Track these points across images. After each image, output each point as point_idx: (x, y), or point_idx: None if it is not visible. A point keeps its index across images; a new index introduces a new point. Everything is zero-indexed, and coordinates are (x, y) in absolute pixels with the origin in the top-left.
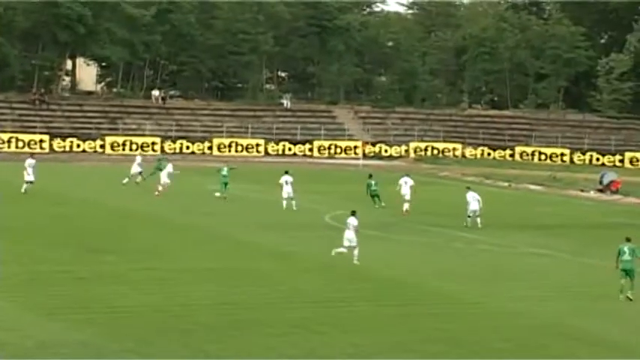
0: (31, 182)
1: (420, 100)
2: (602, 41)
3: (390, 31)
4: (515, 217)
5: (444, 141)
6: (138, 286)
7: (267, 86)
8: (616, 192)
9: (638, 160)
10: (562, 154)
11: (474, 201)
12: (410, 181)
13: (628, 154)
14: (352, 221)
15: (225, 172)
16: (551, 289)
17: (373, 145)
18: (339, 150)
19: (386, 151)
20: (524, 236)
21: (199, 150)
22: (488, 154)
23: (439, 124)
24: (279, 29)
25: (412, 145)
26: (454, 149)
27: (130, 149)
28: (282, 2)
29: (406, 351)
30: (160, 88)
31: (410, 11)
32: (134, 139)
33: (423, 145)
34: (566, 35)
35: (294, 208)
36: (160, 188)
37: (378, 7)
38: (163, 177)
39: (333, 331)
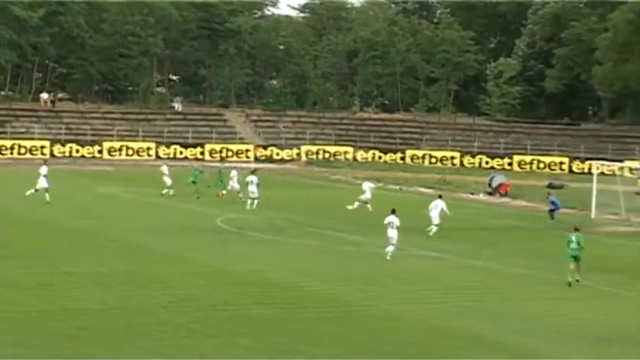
0: (44, 189)
1: (311, 104)
2: (491, 46)
3: (282, 34)
4: (406, 220)
5: (336, 144)
6: (26, 290)
7: (158, 89)
8: (505, 195)
9: (526, 163)
10: (452, 158)
11: (433, 210)
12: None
13: (516, 157)
14: (394, 220)
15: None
16: (439, 292)
17: (265, 148)
18: (230, 153)
19: (277, 154)
20: (415, 239)
21: (89, 154)
22: (380, 157)
23: (330, 127)
24: (169, 32)
25: (304, 148)
26: (345, 152)
27: (19, 153)
28: (173, 5)
29: (296, 353)
30: (49, 91)
31: (301, 15)
32: (23, 142)
33: (314, 148)
34: (456, 39)
35: (255, 207)
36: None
37: (269, 11)
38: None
39: (224, 335)
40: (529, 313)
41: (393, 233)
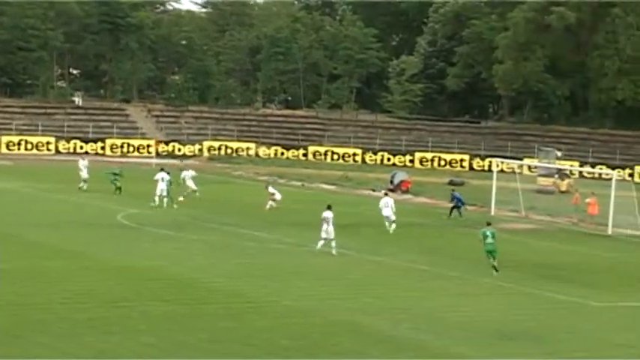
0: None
1: (214, 99)
2: (394, 43)
3: (184, 29)
4: (308, 216)
5: (238, 140)
6: None
7: (59, 83)
8: (407, 192)
9: (427, 160)
10: (354, 154)
11: (385, 208)
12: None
13: (418, 154)
14: (329, 215)
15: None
16: (342, 288)
17: (166, 144)
18: (132, 148)
19: (179, 149)
20: (317, 235)
21: None
22: (282, 153)
23: (233, 123)
24: (70, 26)
25: (206, 144)
26: (248, 148)
27: None
28: None
29: (197, 350)
30: None
31: (204, 10)
32: None
33: (216, 144)
34: (359, 37)
35: (165, 205)
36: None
37: (171, 6)
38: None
39: (124, 332)
40: (429, 308)
41: (329, 228)
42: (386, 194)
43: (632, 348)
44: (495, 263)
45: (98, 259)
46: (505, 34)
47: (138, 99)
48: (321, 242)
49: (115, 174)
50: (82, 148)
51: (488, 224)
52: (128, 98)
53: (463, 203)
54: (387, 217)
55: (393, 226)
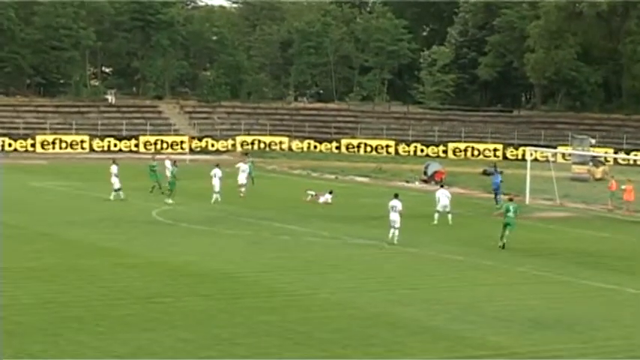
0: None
1: (246, 94)
2: (424, 34)
3: (215, 25)
4: (343, 209)
5: (271, 134)
6: None
7: (91, 82)
8: (440, 182)
9: (460, 151)
10: (387, 146)
11: (443, 197)
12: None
13: (451, 145)
14: (396, 204)
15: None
16: (378, 280)
17: (200, 139)
18: (165, 145)
19: (213, 145)
20: (352, 228)
21: (22, 147)
22: (315, 146)
23: (265, 117)
24: (101, 24)
25: (239, 139)
26: (281, 143)
27: None
28: None
29: (235, 345)
30: None
31: (234, 5)
32: None
33: (249, 138)
34: (390, 28)
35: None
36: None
37: (202, 2)
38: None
39: (161, 327)
40: (465, 299)
41: (395, 217)
42: (442, 186)
43: None
44: (505, 240)
45: (133, 256)
46: (536, 22)
47: (170, 96)
48: (391, 231)
49: (153, 167)
50: (115, 145)
51: (511, 200)
52: (160, 95)
53: (498, 189)
54: (445, 207)
55: (450, 216)
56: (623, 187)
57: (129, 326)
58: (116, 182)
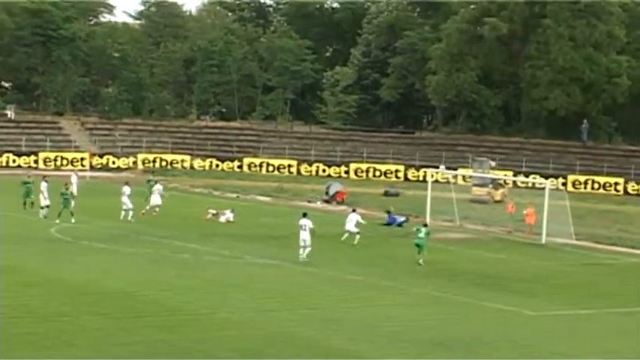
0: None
1: (148, 112)
2: (328, 55)
3: (118, 41)
4: (244, 228)
5: (173, 153)
6: None
7: None
8: (342, 202)
9: (362, 171)
10: (289, 166)
11: (350, 222)
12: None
13: (353, 165)
14: (306, 222)
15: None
16: (278, 299)
17: (100, 156)
18: (65, 162)
19: (114, 162)
20: (252, 247)
21: None
22: (217, 165)
23: (167, 135)
24: (1, 38)
25: (140, 156)
26: (183, 161)
27: None
28: (5, 10)
29: None
30: None
31: (138, 22)
32: None
33: (151, 156)
34: (293, 48)
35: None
36: (148, 208)
37: (105, 17)
38: (154, 199)
39: (59, 346)
40: (364, 319)
41: (306, 235)
42: (354, 210)
43: (566, 357)
44: (421, 261)
45: (33, 274)
46: (438, 45)
47: (71, 112)
48: (301, 250)
49: (26, 183)
50: (14, 161)
51: (425, 225)
52: (61, 111)
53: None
54: (349, 231)
55: (357, 237)
56: (525, 211)
57: (27, 345)
58: (43, 200)
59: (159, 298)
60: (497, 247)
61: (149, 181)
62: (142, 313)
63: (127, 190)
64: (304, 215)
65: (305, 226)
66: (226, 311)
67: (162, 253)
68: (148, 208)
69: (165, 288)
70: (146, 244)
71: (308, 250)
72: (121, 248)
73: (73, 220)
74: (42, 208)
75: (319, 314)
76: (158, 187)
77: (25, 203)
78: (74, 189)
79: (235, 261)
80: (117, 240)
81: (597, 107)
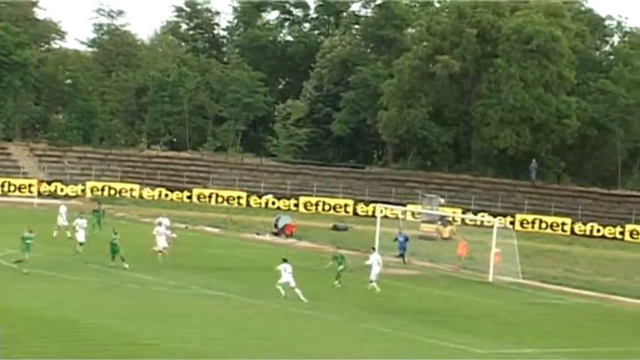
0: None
1: (98, 139)
2: (280, 87)
3: (69, 68)
4: (191, 258)
5: (122, 181)
6: None
7: None
8: (290, 235)
9: (312, 205)
10: (239, 197)
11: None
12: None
13: (303, 199)
14: (287, 267)
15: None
16: (220, 330)
17: (49, 183)
18: (13, 188)
19: (62, 190)
20: (199, 278)
21: None
22: (166, 195)
23: (117, 163)
24: None
25: (89, 184)
26: (132, 190)
27: None
28: None
29: None
30: None
31: (90, 49)
32: None
33: (100, 184)
34: (246, 80)
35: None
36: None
37: (56, 44)
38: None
39: None
40: (311, 353)
41: (289, 278)
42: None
43: None
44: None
45: None
46: (390, 81)
47: (20, 138)
48: (295, 291)
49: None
50: None
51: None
52: (10, 137)
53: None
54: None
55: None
56: (459, 242)
57: None
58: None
59: (106, 327)
60: (445, 284)
61: (95, 211)
62: (88, 341)
63: (63, 209)
64: (284, 261)
65: (287, 269)
66: (172, 340)
67: (109, 282)
68: (156, 251)
69: (112, 317)
70: (94, 272)
71: (299, 291)
72: (67, 276)
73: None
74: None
75: (266, 345)
76: (164, 223)
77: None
78: (64, 220)
79: (183, 291)
80: (63, 268)
81: (546, 147)
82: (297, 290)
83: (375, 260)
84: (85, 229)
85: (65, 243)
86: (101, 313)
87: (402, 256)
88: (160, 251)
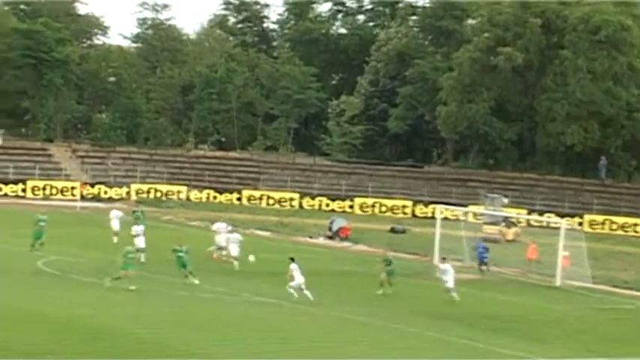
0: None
1: (143, 140)
2: (333, 82)
3: (112, 65)
4: (241, 264)
5: (168, 183)
6: None
7: None
8: (345, 239)
9: (368, 206)
10: (291, 199)
11: (446, 275)
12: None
13: (358, 200)
14: (295, 266)
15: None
16: (272, 338)
17: (92, 186)
18: (55, 191)
19: (106, 192)
20: (250, 284)
21: None
22: (215, 197)
23: (163, 164)
24: None
25: (134, 186)
26: (178, 192)
27: None
28: None
29: None
30: None
31: (133, 45)
32: None
33: (145, 187)
34: (297, 75)
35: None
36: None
37: (98, 40)
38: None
39: None
40: None
41: (302, 278)
42: (444, 259)
43: None
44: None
45: (17, 309)
46: (450, 74)
47: (62, 138)
48: (304, 292)
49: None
50: (1, 189)
51: (444, 259)
52: (51, 138)
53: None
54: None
55: (454, 295)
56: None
57: None
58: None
59: (151, 337)
60: (509, 289)
61: (134, 211)
62: (133, 352)
63: (117, 214)
64: (292, 260)
65: (296, 269)
66: (223, 352)
67: (156, 288)
68: (225, 255)
69: (158, 326)
70: (139, 279)
71: (308, 292)
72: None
73: (195, 281)
74: (138, 250)
75: (320, 355)
76: (235, 236)
77: (33, 245)
78: (116, 225)
79: (232, 299)
80: (108, 274)
81: (616, 143)
82: (307, 292)
83: (444, 270)
84: (144, 235)
85: (110, 248)
86: (147, 322)
87: (482, 264)
88: (235, 258)
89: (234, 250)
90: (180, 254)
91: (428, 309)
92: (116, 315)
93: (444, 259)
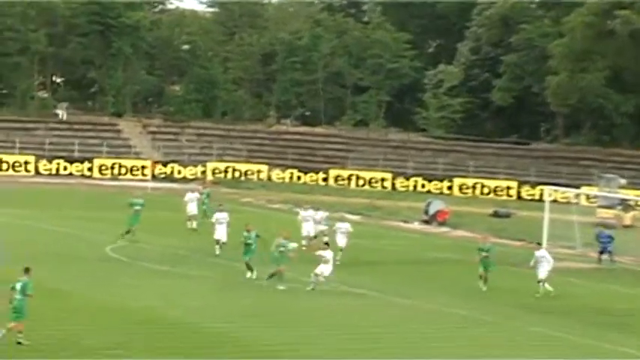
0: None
1: (220, 114)
2: (430, 51)
3: (186, 32)
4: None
5: (247, 162)
6: None
7: (40, 93)
8: (443, 223)
9: (468, 188)
10: (383, 179)
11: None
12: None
13: (457, 181)
14: (345, 225)
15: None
16: (362, 337)
17: (164, 165)
18: (124, 170)
19: (179, 172)
20: (338, 273)
21: None
22: (299, 177)
23: (242, 141)
24: (54, 27)
25: (210, 165)
26: (259, 171)
27: None
28: None
29: None
30: None
31: (209, 10)
32: None
33: (222, 165)
34: (390, 42)
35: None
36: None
37: (171, 4)
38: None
39: None
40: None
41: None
42: (539, 244)
43: None
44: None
45: (83, 299)
46: (560, 41)
47: (131, 113)
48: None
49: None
50: (65, 168)
51: (539, 244)
52: (120, 112)
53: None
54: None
55: (548, 287)
56: None
57: None
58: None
59: (226, 332)
60: (629, 281)
61: (201, 193)
62: (205, 348)
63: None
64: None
65: (343, 228)
66: (305, 348)
67: (231, 277)
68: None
69: (233, 319)
70: (213, 266)
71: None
72: (184, 271)
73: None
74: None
75: (407, 352)
76: (344, 225)
77: (128, 232)
78: (193, 208)
79: (318, 289)
80: (180, 262)
81: None
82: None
83: (540, 257)
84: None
85: (180, 233)
86: (223, 315)
87: (602, 253)
88: (341, 249)
89: (342, 242)
90: (249, 241)
91: (532, 302)
92: (188, 307)
93: (538, 245)
